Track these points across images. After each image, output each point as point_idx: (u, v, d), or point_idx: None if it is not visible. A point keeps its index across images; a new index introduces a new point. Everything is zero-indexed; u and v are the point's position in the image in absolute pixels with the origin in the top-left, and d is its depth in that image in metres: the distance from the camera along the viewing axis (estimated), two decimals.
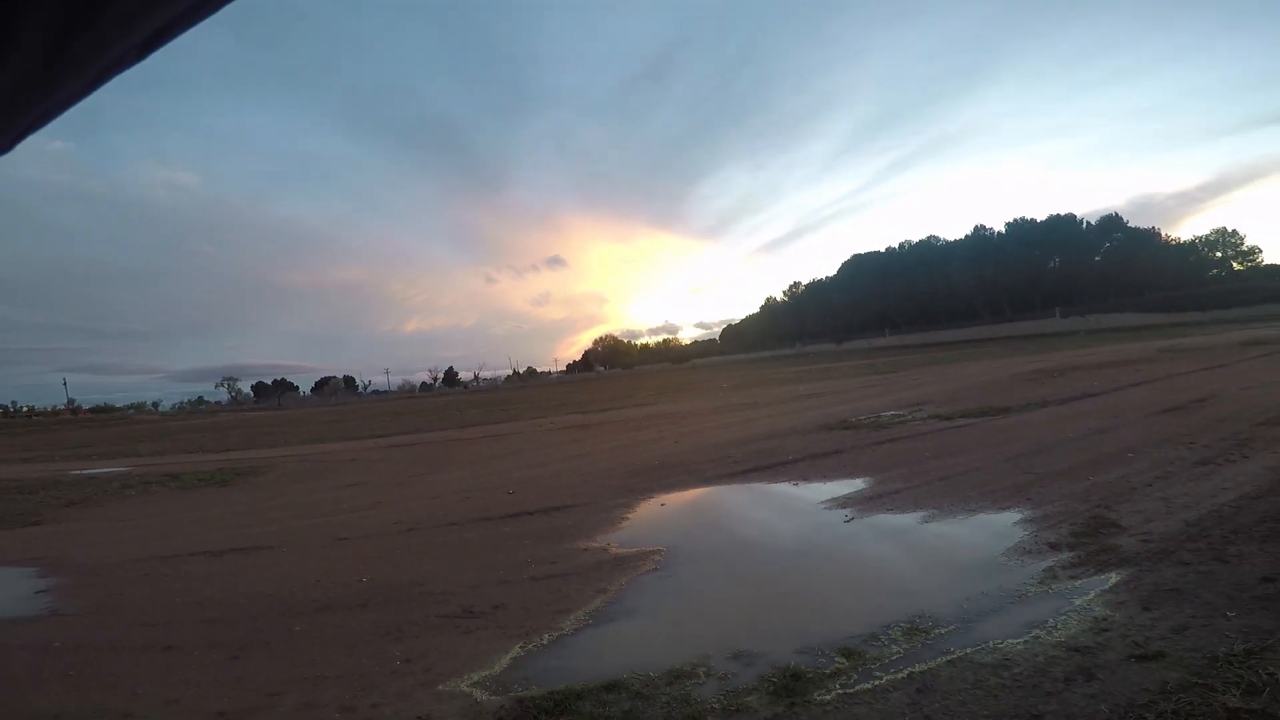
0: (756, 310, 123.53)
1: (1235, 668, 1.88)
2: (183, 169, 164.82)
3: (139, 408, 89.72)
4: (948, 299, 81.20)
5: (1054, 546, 3.18)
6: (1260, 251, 74.63)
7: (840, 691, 2.03)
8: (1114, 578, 2.66)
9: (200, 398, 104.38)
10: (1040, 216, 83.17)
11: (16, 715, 2.43)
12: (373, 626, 3.06)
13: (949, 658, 2.17)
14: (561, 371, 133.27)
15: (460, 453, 10.88)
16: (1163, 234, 77.08)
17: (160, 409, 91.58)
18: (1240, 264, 74.05)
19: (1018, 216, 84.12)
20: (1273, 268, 72.16)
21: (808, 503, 4.92)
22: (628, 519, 4.92)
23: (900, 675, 2.09)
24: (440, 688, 2.37)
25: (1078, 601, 2.48)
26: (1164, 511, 3.48)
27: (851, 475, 5.65)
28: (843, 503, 4.74)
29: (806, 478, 5.79)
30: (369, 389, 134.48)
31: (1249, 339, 20.42)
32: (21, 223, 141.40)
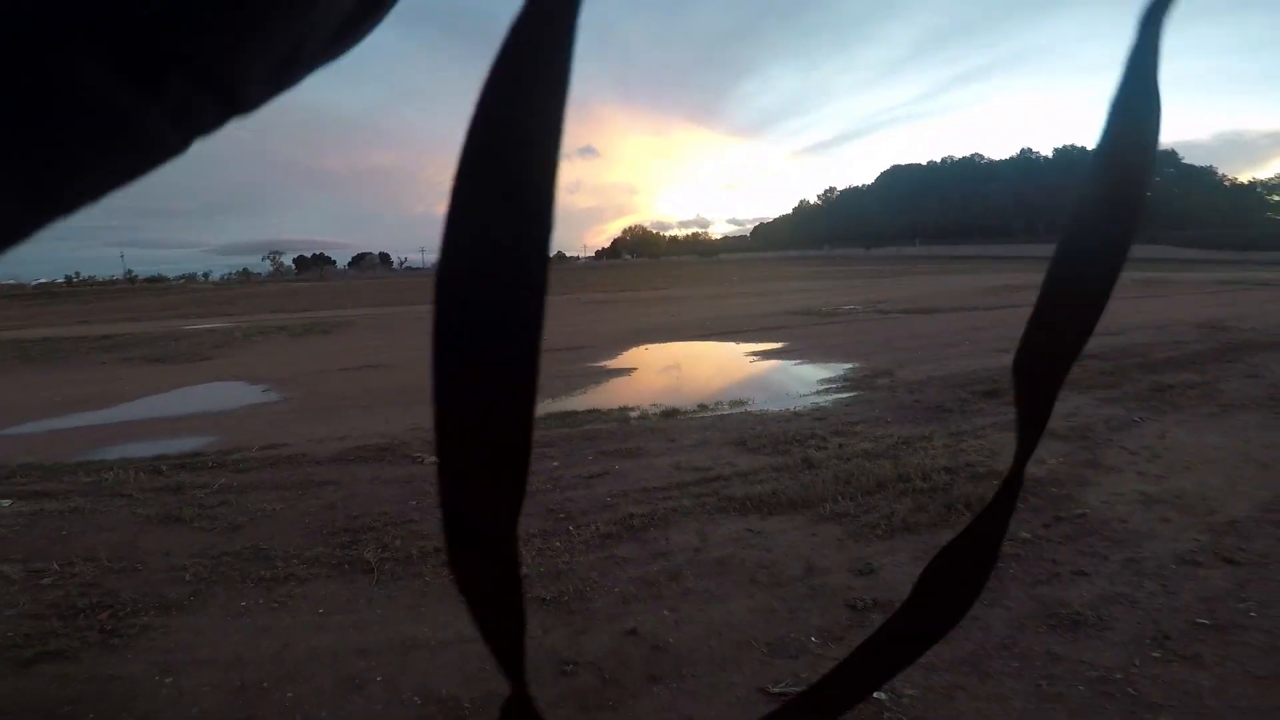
0: (790, 211, 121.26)
1: (887, 444, 4.30)
2: None
3: (190, 278, 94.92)
4: (983, 216, 79.46)
5: (845, 379, 5.59)
6: None
7: (691, 416, 4.53)
8: (851, 395, 5.05)
9: (245, 269, 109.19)
10: (1090, 144, 78.59)
11: (303, 439, 5.10)
12: None
13: (745, 410, 4.65)
14: (590, 257, 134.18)
15: None
16: (1221, 174, 73.06)
17: (210, 280, 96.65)
18: None
19: (1067, 143, 79.94)
20: None
21: (737, 351, 7.46)
22: (620, 355, 7.48)
23: (722, 413, 4.58)
24: None
25: (824, 402, 4.89)
26: (924, 373, 5.75)
27: (778, 341, 8.07)
28: (758, 353, 7.22)
29: (747, 340, 8.24)
30: (404, 265, 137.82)
31: (1234, 279, 21.59)
32: None
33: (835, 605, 1.97)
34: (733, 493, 2.87)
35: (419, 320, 13.91)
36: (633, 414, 4.57)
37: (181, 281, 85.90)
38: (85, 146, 0.17)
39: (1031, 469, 2.14)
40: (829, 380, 5.57)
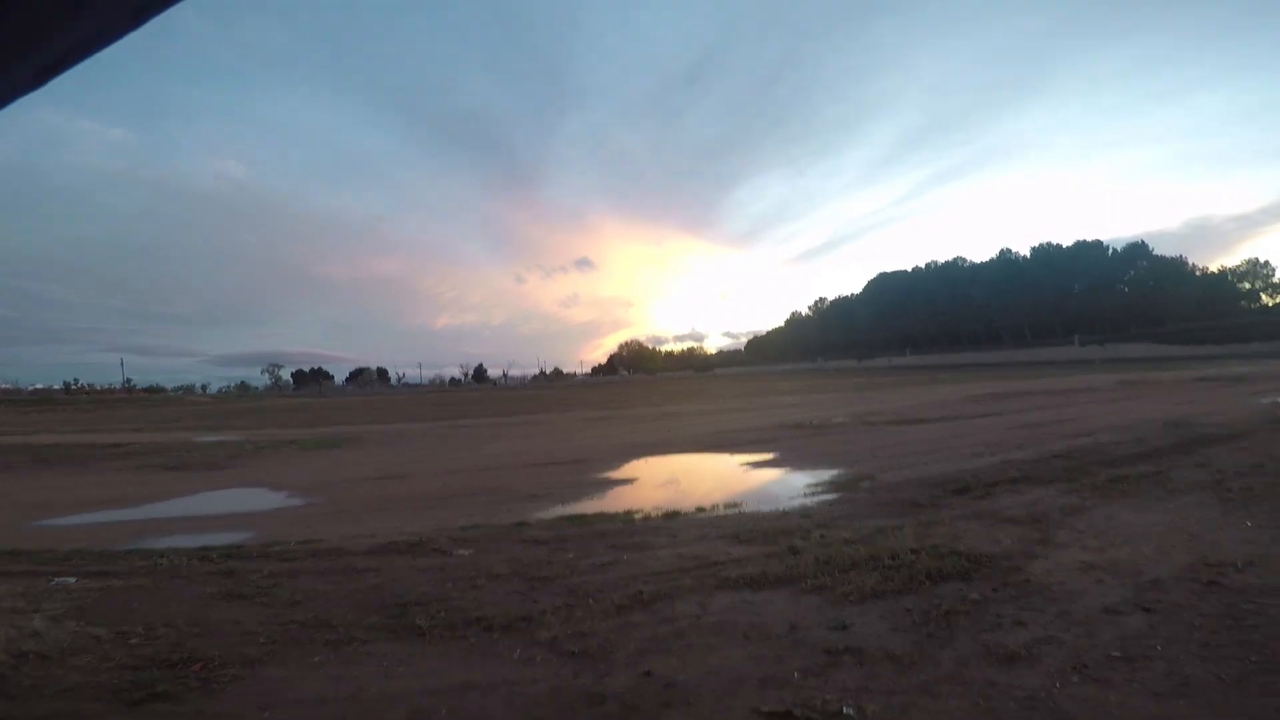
0: (782, 324, 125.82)
1: (863, 533, 4.75)
2: (231, 158, 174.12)
3: (188, 389, 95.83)
4: (970, 321, 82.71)
5: (831, 483, 6.06)
6: None
7: (690, 516, 4.96)
8: (835, 496, 5.52)
9: (242, 382, 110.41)
10: (1067, 242, 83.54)
11: (336, 536, 5.50)
12: (484, 502, 6.08)
13: (739, 510, 5.09)
14: (587, 374, 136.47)
15: (507, 433, 13.99)
16: (1190, 263, 77.16)
17: (208, 392, 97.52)
18: (1269, 296, 73.56)
19: (1043, 241, 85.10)
20: None
21: (731, 461, 7.92)
22: (622, 467, 7.93)
23: (718, 514, 5.01)
24: (525, 519, 5.36)
25: (810, 503, 5.35)
26: (904, 476, 6.24)
27: (770, 452, 8.56)
28: (751, 463, 7.69)
29: (742, 451, 8.72)
30: (401, 381, 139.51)
31: (1206, 375, 22.57)
32: (82, 207, 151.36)
33: (815, 651, 2.38)
34: (728, 574, 3.29)
35: (423, 436, 14.39)
36: (637, 515, 5.00)
37: (180, 393, 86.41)
38: None
39: (986, 547, 2.74)
40: (815, 485, 6.04)
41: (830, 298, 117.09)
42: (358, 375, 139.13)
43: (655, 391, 38.65)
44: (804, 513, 4.78)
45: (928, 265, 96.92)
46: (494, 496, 6.22)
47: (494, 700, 2.13)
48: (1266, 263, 74.42)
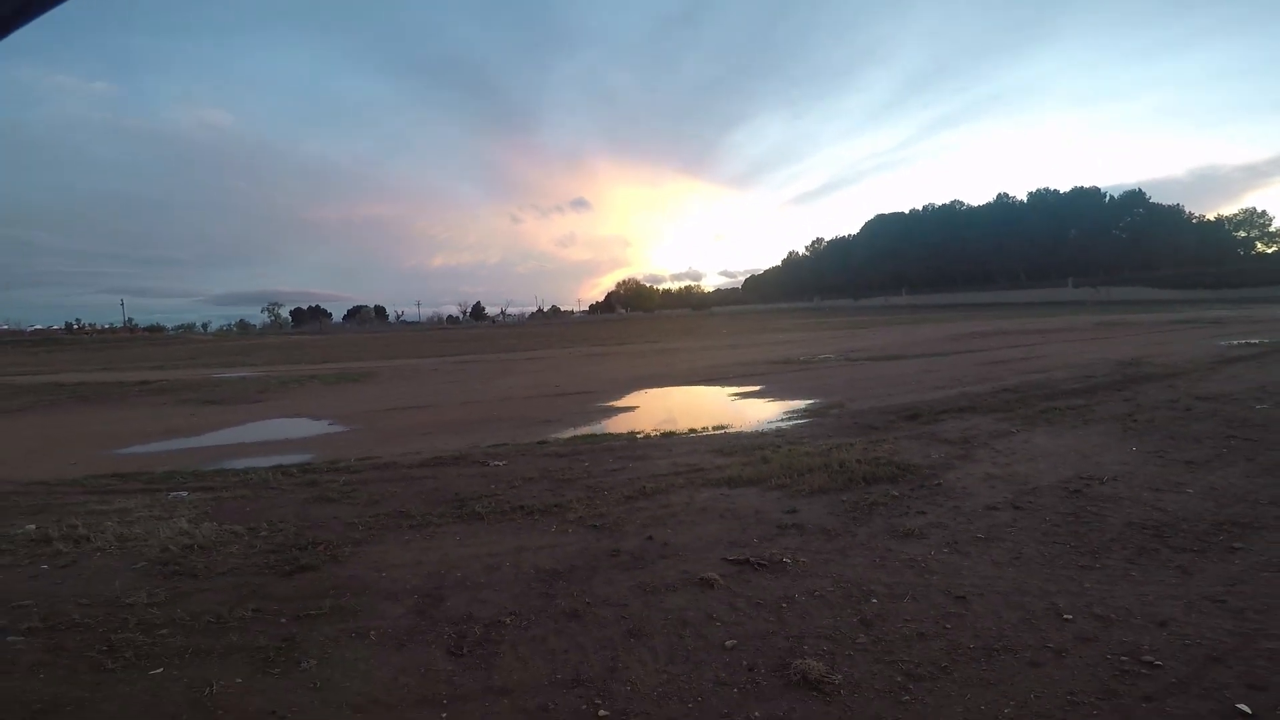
0: (779, 263, 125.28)
1: (822, 448, 5.66)
2: (217, 107, 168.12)
3: (188, 328, 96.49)
4: (965, 262, 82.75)
5: (805, 410, 6.97)
6: None
7: (683, 436, 5.87)
8: (806, 420, 6.43)
9: (242, 320, 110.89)
10: (1064, 188, 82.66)
11: (387, 454, 6.42)
12: (506, 426, 6.99)
13: (725, 431, 6.01)
14: (584, 311, 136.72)
15: (515, 368, 14.91)
16: (1188, 211, 76.74)
17: (208, 330, 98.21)
18: (1266, 245, 73.56)
19: (1041, 187, 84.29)
20: None
21: (722, 392, 8.86)
22: (624, 397, 8.85)
23: (707, 434, 5.92)
24: (545, 438, 6.27)
25: (784, 425, 6.25)
26: (869, 405, 7.14)
27: (758, 384, 9.49)
28: (739, 393, 8.62)
29: (732, 384, 9.64)
30: (400, 319, 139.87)
31: (1185, 318, 23.40)
32: (68, 157, 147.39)
33: (770, 526, 3.30)
34: (711, 477, 4.21)
35: (435, 371, 15.31)
36: (639, 435, 5.92)
37: (180, 332, 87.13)
38: None
39: (917, 460, 3.70)
40: (792, 411, 6.96)
41: (828, 238, 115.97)
42: (356, 313, 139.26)
43: (653, 329, 39.50)
44: (778, 433, 5.70)
45: (925, 208, 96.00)
46: (514, 422, 7.13)
47: (542, 556, 3.05)
48: (1264, 212, 74.22)
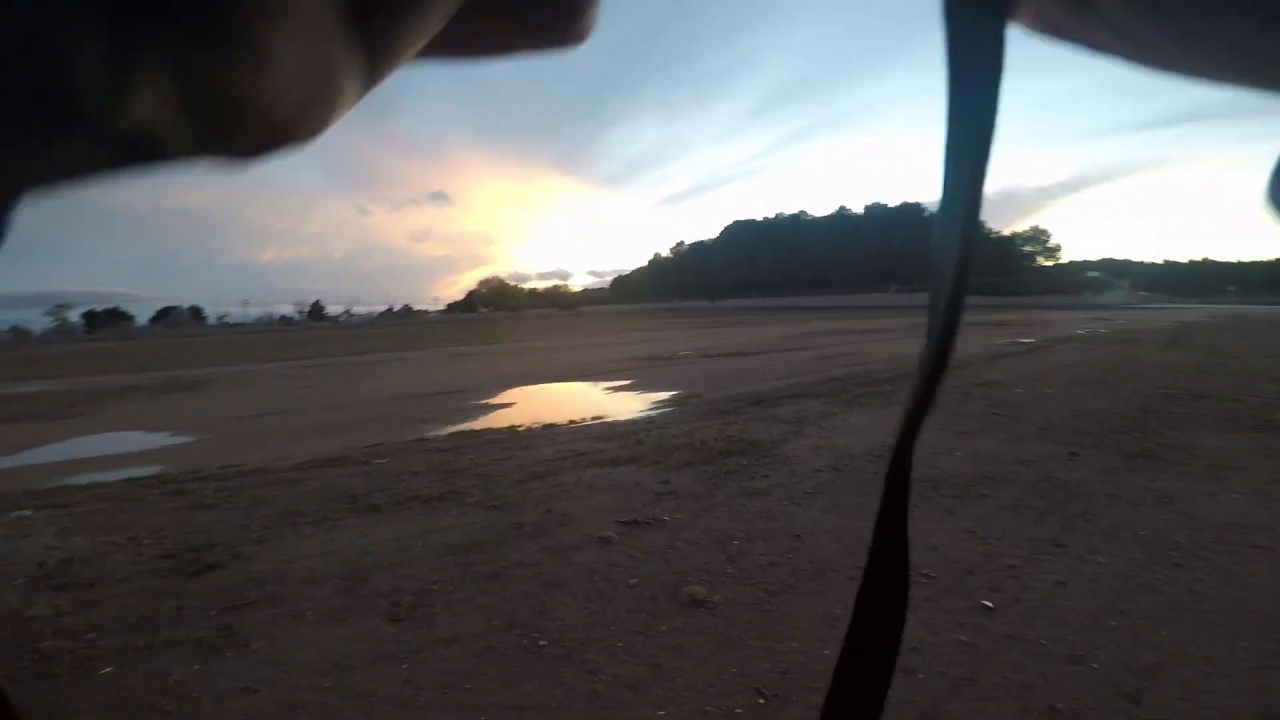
0: (645, 264, 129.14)
1: (685, 430, 6.39)
2: None
3: None
4: (809, 268, 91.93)
5: (669, 400, 7.75)
6: (1060, 249, 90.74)
7: (563, 427, 6.31)
8: (671, 409, 7.20)
9: (15, 326, 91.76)
10: (894, 202, 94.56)
11: (252, 461, 6.13)
12: (378, 428, 6.93)
13: (602, 421, 6.55)
14: (441, 311, 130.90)
15: (374, 371, 14.28)
16: (988, 227, 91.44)
17: None
18: (1046, 259, 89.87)
19: (875, 201, 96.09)
20: (1068, 265, 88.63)
21: (594, 387, 9.42)
22: (499, 394, 9.07)
23: (585, 424, 6.42)
24: (423, 436, 6.34)
25: (653, 414, 6.95)
26: (722, 394, 8.12)
27: (627, 379, 10.17)
28: (611, 387, 9.25)
29: (603, 379, 10.25)
30: (222, 320, 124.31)
31: (978, 321, 28.12)
32: None
33: (649, 494, 3.87)
34: (594, 459, 4.71)
35: (280, 376, 14.20)
36: (520, 428, 6.27)
37: None
38: None
39: (761, 436, 4.47)
40: (658, 401, 7.69)
41: (690, 242, 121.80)
42: (166, 315, 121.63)
43: (520, 329, 39.21)
44: (648, 420, 6.36)
45: (777, 216, 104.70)
46: (385, 423, 7.10)
47: (449, 534, 3.35)
48: (1045, 230, 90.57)
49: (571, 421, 6.52)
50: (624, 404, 7.84)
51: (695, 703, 1.93)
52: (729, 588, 2.64)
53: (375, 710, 1.95)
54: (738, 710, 1.89)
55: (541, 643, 2.26)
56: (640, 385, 9.49)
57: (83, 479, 5.10)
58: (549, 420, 6.65)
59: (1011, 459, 4.60)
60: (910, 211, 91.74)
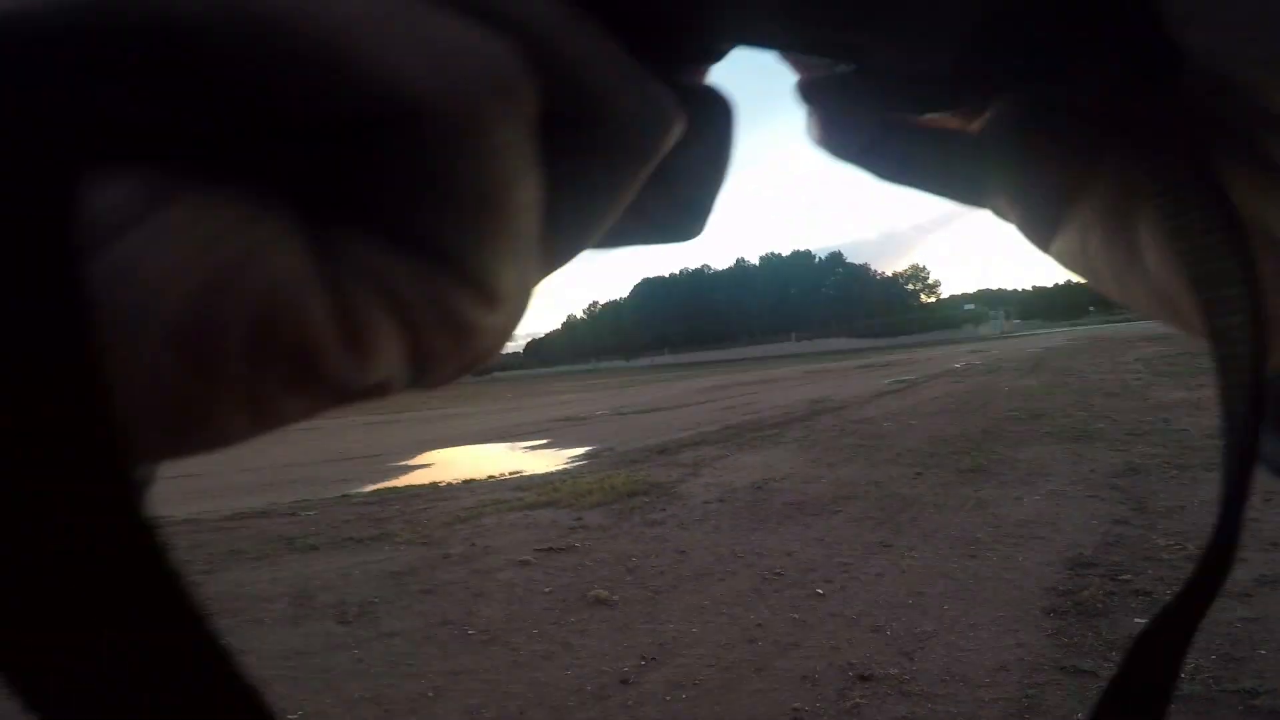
0: (559, 326, 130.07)
1: (597, 478, 7.05)
2: None
3: None
4: (713, 321, 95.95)
5: (583, 454, 8.42)
6: (939, 284, 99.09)
7: (482, 481, 6.80)
8: (584, 461, 7.87)
9: None
10: (786, 251, 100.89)
11: (178, 515, 6.20)
12: (299, 488, 7.09)
13: (520, 475, 7.10)
14: None
15: (278, 438, 13.88)
16: (874, 269, 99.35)
17: None
18: (927, 296, 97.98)
19: (769, 251, 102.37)
20: (949, 300, 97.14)
21: (512, 446, 9.94)
22: (417, 456, 9.37)
23: (504, 478, 6.94)
24: (345, 493, 6.61)
25: (568, 466, 7.58)
26: (632, 446, 8.90)
27: (544, 438, 10.74)
28: (528, 446, 9.78)
29: (521, 440, 10.75)
30: None
31: (867, 363, 30.84)
32: None
33: (564, 529, 4.49)
34: (513, 505, 5.28)
35: None
36: (441, 484, 6.70)
37: None
38: None
39: (662, 478, 5.26)
40: (572, 455, 8.35)
41: (603, 301, 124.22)
42: None
43: (432, 398, 38.49)
44: (563, 471, 6.99)
45: (682, 271, 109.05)
46: (305, 483, 7.27)
47: (385, 564, 3.82)
48: (924, 268, 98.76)
49: (491, 476, 7.03)
50: (541, 460, 8.41)
51: (595, 665, 2.57)
52: (626, 590, 3.31)
53: (334, 680, 2.45)
54: (625, 668, 2.55)
55: (470, 632, 2.83)
56: (557, 443, 10.08)
57: None
58: (469, 476, 7.11)
59: (865, 481, 5.59)
60: (801, 259, 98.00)
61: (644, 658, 2.60)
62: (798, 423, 10.02)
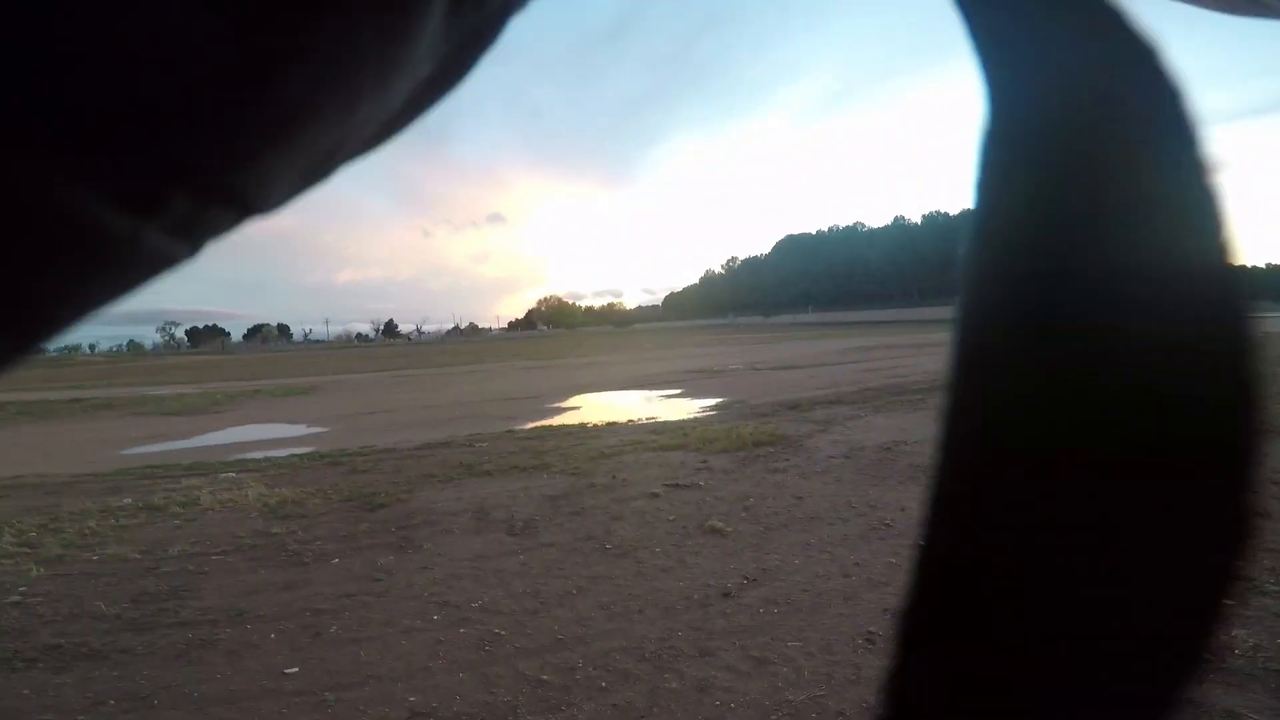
0: (697, 281, 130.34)
1: (725, 427, 7.48)
2: None
3: (73, 349, 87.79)
4: (866, 282, 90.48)
5: (714, 405, 8.82)
6: None
7: (621, 424, 7.51)
8: (715, 411, 8.27)
9: (132, 340, 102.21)
10: (955, 210, 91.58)
11: (380, 445, 7.64)
12: (472, 423, 8.34)
13: (655, 420, 7.72)
14: (503, 329, 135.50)
15: (456, 380, 16.01)
16: None
17: (96, 351, 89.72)
18: None
19: (934, 210, 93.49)
20: None
21: (649, 394, 10.61)
22: (568, 400, 10.40)
23: (641, 423, 7.60)
24: (510, 429, 7.69)
25: (699, 415, 8.05)
26: (763, 400, 9.12)
27: (678, 388, 11.32)
28: (663, 395, 10.41)
29: (657, 388, 11.42)
30: (307, 337, 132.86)
31: None
32: None
33: (690, 469, 5.00)
34: (649, 446, 5.88)
35: (376, 384, 16.15)
36: (588, 425, 7.52)
37: (67, 354, 78.75)
38: (65, 268, 0.14)
39: (790, 432, 5.61)
40: (704, 406, 8.80)
41: (742, 256, 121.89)
42: (257, 332, 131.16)
43: (580, 345, 41.01)
44: (694, 420, 7.48)
45: (830, 229, 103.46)
46: (477, 419, 8.51)
47: (543, 489, 4.58)
48: None
49: (630, 420, 7.73)
50: (676, 407, 9.00)
51: (703, 580, 3.04)
52: (740, 524, 3.73)
53: (505, 578, 3.16)
54: (729, 585, 2.98)
55: (608, 547, 3.43)
56: (690, 393, 10.62)
57: (257, 455, 6.68)
58: (612, 419, 7.88)
59: None
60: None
61: (746, 578, 3.02)
62: (942, 389, 9.55)
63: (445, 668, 2.30)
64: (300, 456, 6.28)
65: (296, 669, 2.40)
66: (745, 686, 2.05)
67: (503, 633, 2.53)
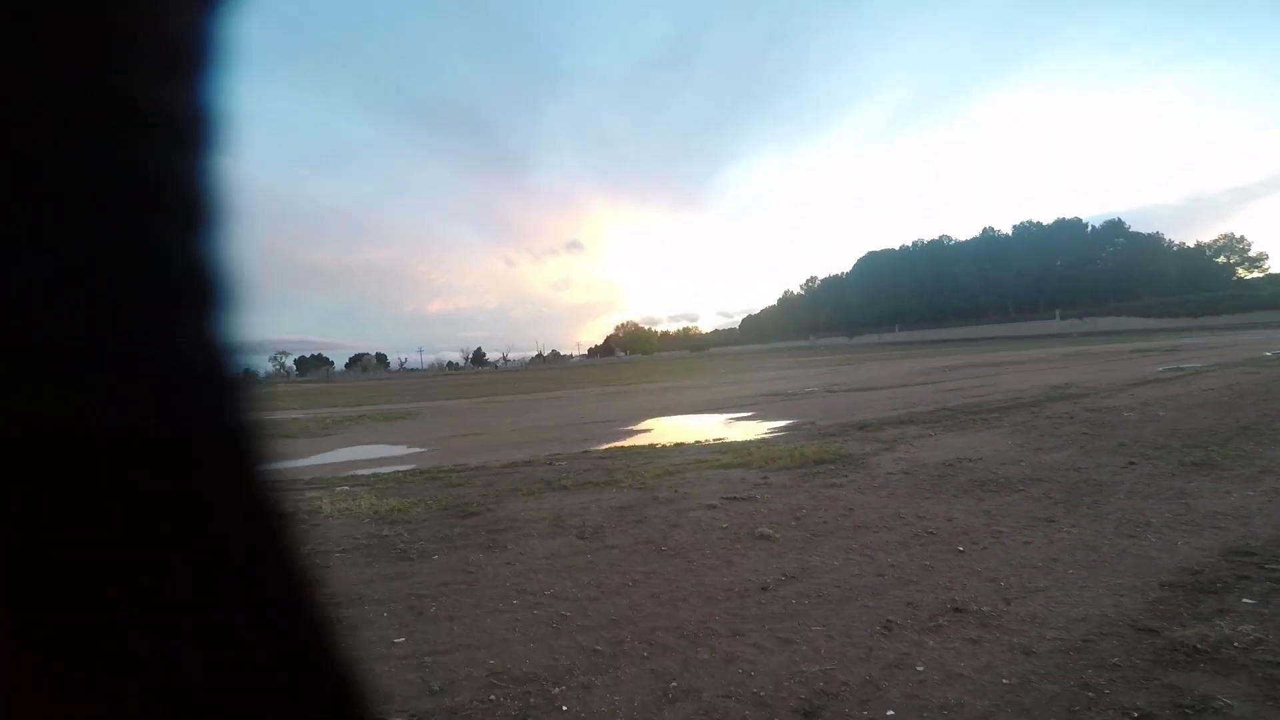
0: (775, 302, 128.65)
1: (790, 448, 7.68)
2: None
3: None
4: (955, 297, 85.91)
5: (784, 427, 8.99)
6: (1265, 258, 76.40)
7: (690, 445, 7.87)
8: (783, 433, 8.45)
9: (246, 369, 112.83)
10: (1047, 219, 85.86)
11: (472, 464, 8.43)
12: (552, 445, 8.97)
13: (722, 441, 8.02)
14: (584, 355, 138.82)
15: (538, 406, 16.93)
16: (1168, 240, 79.91)
17: None
18: (1247, 270, 76.21)
19: (1025, 220, 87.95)
20: (1275, 276, 74.12)
21: (719, 418, 10.89)
22: (640, 423, 10.88)
23: (708, 444, 7.93)
24: (586, 450, 8.25)
25: (766, 436, 8.27)
26: (833, 421, 9.17)
27: (749, 411, 11.52)
28: (734, 417, 10.66)
29: (728, 412, 11.68)
30: (403, 365, 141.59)
31: (1141, 348, 25.58)
32: None
33: (750, 484, 5.30)
34: (712, 464, 6.22)
35: (468, 410, 17.35)
36: (657, 445, 7.94)
37: None
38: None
39: (854, 451, 5.91)
40: (773, 428, 9.00)
41: (821, 276, 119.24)
42: (357, 360, 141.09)
43: (655, 370, 41.71)
44: (760, 440, 7.74)
45: (914, 244, 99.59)
46: (556, 442, 9.13)
47: (611, 502, 5.04)
48: (1242, 238, 76.83)
49: (697, 442, 8.09)
50: (742, 429, 9.26)
51: (745, 577, 3.36)
52: (788, 531, 4.02)
53: (573, 573, 3.61)
54: (768, 580, 3.29)
55: (663, 549, 3.82)
56: (760, 416, 10.83)
57: (365, 471, 7.58)
58: (680, 441, 8.27)
59: (1068, 467, 5.38)
60: (1068, 228, 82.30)
61: (785, 575, 3.31)
62: (1024, 408, 9.28)
63: (520, 639, 2.78)
64: (404, 473, 7.08)
65: (403, 639, 2.95)
66: (767, 660, 2.38)
67: (568, 614, 2.98)
